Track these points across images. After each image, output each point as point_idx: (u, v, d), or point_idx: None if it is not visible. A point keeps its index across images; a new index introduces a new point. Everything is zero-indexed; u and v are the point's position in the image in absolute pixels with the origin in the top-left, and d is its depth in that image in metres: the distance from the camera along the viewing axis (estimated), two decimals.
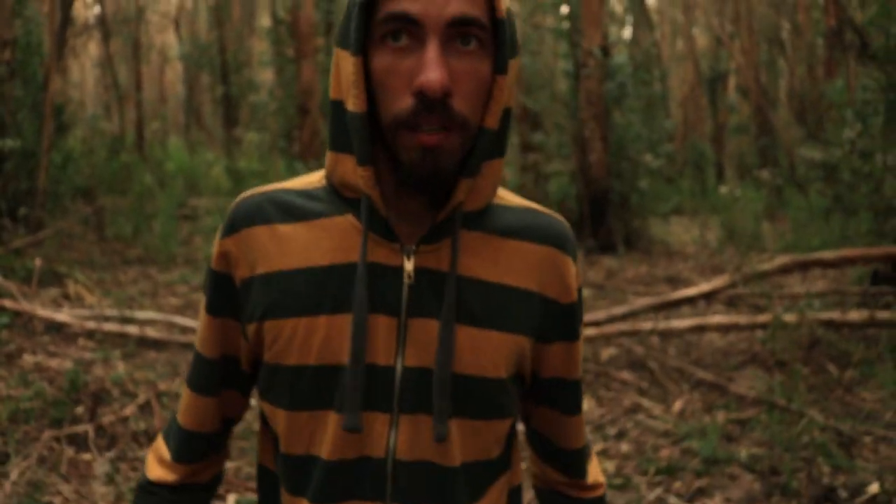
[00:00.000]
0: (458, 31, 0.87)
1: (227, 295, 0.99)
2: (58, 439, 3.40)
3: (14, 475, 2.85)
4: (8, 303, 5.45)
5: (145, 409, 3.98)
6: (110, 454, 3.44)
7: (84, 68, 29.18)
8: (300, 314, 0.94)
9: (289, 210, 0.98)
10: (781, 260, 5.52)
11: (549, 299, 1.00)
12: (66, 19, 11.56)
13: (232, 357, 1.02)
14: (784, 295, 6.85)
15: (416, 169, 0.88)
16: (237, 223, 0.98)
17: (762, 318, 5.45)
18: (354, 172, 0.93)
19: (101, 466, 3.29)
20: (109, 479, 3.24)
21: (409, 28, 0.86)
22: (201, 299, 1.09)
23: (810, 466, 3.56)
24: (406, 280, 0.94)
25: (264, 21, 27.44)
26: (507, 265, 0.98)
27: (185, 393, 1.06)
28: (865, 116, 7.58)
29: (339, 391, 0.93)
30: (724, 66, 21.97)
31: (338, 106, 0.94)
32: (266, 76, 26.66)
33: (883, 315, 5.41)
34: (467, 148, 0.90)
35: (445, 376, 0.91)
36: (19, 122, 8.88)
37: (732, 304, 6.98)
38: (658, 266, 9.59)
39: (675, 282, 8.46)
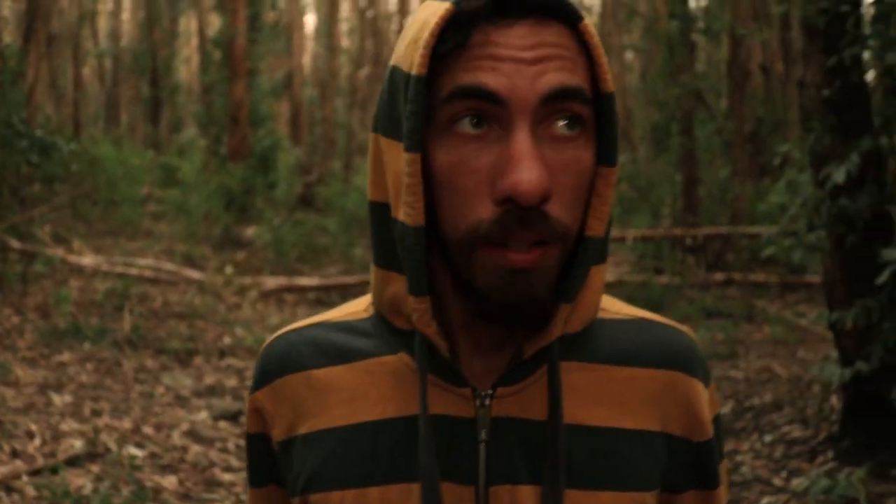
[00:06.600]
0: (555, 109, 0.64)
1: (267, 460, 0.82)
2: (130, 312, 6.32)
3: (126, 327, 5.75)
4: (48, 251, 8.15)
5: (165, 304, 6.90)
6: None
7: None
8: (346, 485, 0.73)
9: (326, 350, 0.78)
10: None
11: (675, 438, 0.76)
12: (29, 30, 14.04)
13: None
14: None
15: (501, 297, 0.66)
16: (268, 372, 0.80)
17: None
18: (408, 300, 0.70)
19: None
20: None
21: (490, 109, 0.64)
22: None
23: None
24: (483, 436, 0.72)
25: (184, 25, 29.76)
26: (619, 402, 0.74)
27: None
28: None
29: None
30: None
31: (382, 211, 0.72)
32: (184, 77, 29.07)
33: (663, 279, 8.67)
34: (565, 263, 0.68)
35: None
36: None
37: None
38: None
39: None
